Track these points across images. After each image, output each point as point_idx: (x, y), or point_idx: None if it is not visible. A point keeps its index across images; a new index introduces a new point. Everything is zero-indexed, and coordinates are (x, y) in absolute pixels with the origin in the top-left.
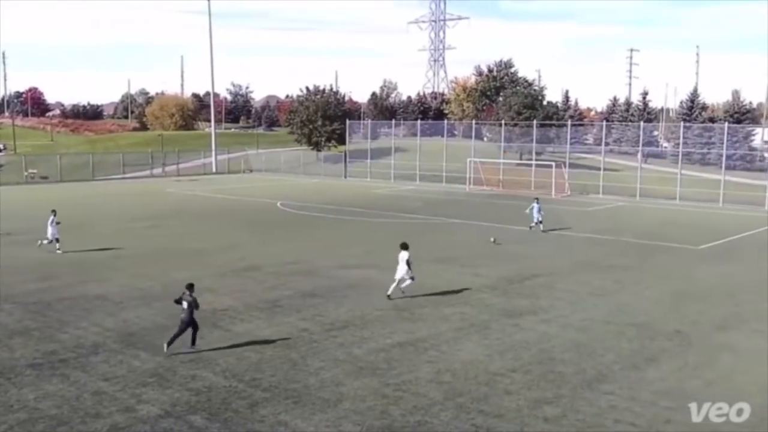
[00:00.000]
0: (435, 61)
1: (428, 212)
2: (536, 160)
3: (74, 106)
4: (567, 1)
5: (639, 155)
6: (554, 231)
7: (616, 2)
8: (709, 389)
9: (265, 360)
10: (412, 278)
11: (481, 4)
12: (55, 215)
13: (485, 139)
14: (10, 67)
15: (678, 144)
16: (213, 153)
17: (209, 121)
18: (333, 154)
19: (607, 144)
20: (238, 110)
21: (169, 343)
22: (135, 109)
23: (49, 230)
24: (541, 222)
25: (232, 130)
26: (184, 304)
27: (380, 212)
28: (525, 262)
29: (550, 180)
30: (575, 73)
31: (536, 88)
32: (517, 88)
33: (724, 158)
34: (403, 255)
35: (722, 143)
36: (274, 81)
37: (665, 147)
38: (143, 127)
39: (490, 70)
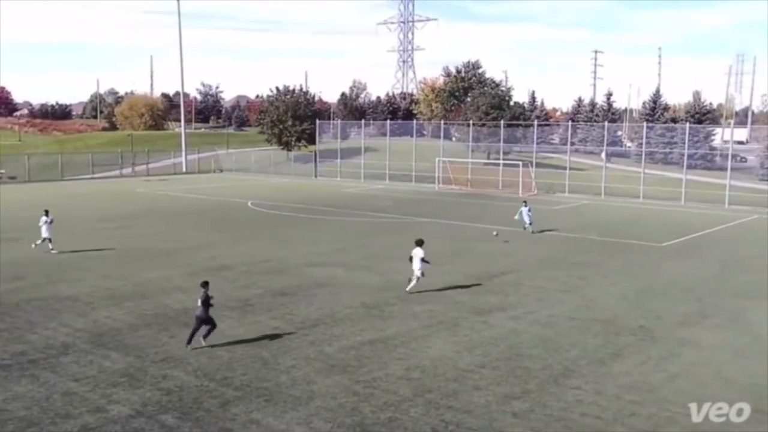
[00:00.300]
0: (404, 62)
1: (398, 211)
2: (503, 159)
3: (42, 105)
4: (532, 3)
5: (603, 154)
6: (545, 232)
7: (580, 5)
8: (672, 383)
9: (236, 359)
10: (420, 276)
11: (449, 6)
12: (47, 215)
13: (453, 139)
14: None
15: (641, 144)
16: (183, 153)
17: (179, 120)
18: (303, 154)
19: (572, 144)
20: (208, 110)
21: (189, 341)
22: (104, 109)
23: (43, 230)
24: (531, 224)
25: (202, 129)
26: (198, 302)
27: (350, 211)
28: (493, 260)
29: (517, 179)
30: (541, 74)
31: (503, 88)
32: (485, 88)
33: (685, 157)
34: (417, 252)
35: (684, 143)
36: (244, 81)
37: (629, 147)
38: (112, 127)
39: (458, 71)
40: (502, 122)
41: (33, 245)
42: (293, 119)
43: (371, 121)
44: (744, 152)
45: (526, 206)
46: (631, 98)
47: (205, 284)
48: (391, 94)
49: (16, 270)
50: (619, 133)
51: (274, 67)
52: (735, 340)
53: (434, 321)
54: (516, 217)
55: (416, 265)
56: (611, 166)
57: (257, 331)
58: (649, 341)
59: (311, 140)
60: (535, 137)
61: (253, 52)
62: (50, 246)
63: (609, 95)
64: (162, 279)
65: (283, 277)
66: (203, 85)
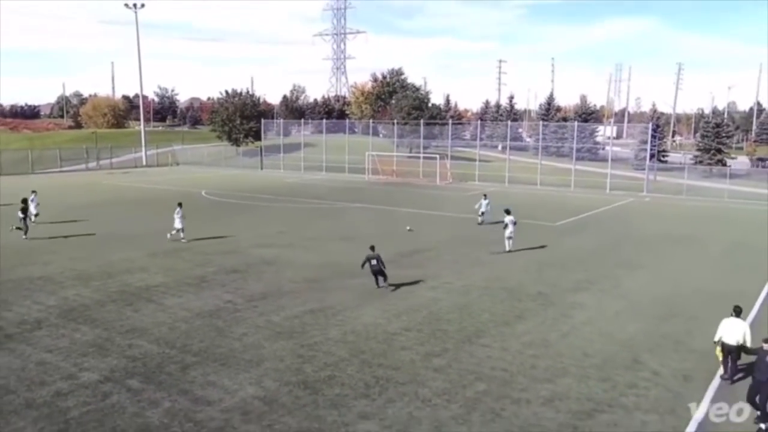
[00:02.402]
0: (337, 68)
1: (333, 198)
2: (423, 153)
3: (12, 106)
4: (446, 19)
5: (500, 146)
6: (492, 224)
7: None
8: (565, 339)
9: (194, 329)
10: (510, 239)
11: (376, 20)
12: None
13: (381, 135)
14: None
15: (538, 139)
16: (143, 148)
17: (139, 120)
18: (250, 149)
19: (481, 139)
20: (165, 110)
21: (379, 284)
22: (70, 110)
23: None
24: (483, 215)
25: (160, 128)
26: (373, 261)
27: (291, 198)
28: (415, 238)
29: (435, 170)
30: (455, 79)
31: (423, 92)
32: (407, 92)
33: (574, 151)
34: (509, 218)
35: (573, 138)
36: (197, 84)
37: (528, 141)
38: (78, 125)
39: (384, 77)
40: (422, 121)
41: (179, 233)
42: (241, 118)
43: (309, 121)
44: (619, 145)
45: (486, 199)
46: (529, 101)
47: (373, 248)
48: (326, 96)
49: None
50: (520, 130)
51: (223, 73)
52: (615, 303)
53: (366, 292)
54: (476, 206)
55: (509, 229)
56: (513, 158)
57: (212, 304)
58: (546, 305)
59: (257, 137)
60: (449, 134)
61: (205, 58)
62: (182, 235)
63: (511, 98)
64: (125, 260)
65: (235, 257)
66: (160, 88)
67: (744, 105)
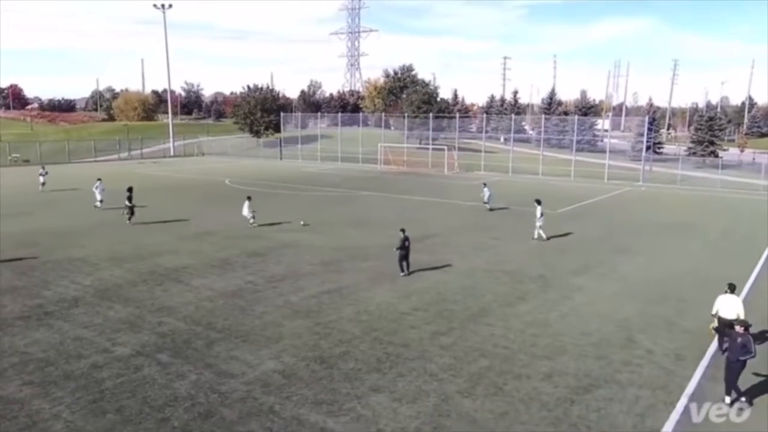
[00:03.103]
0: (351, 65)
1: (347, 186)
2: (432, 144)
3: (50, 100)
4: (454, 20)
5: (502, 138)
6: (499, 209)
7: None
8: (563, 320)
9: (218, 307)
10: (540, 227)
11: (388, 20)
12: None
13: (392, 128)
14: None
15: (540, 132)
16: (171, 140)
17: (167, 113)
18: (270, 140)
19: (486, 132)
20: (191, 104)
21: (405, 270)
22: (103, 103)
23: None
24: (488, 202)
25: (186, 120)
26: (406, 243)
27: (308, 186)
28: (425, 225)
29: (443, 160)
30: (462, 75)
31: (432, 87)
32: (417, 87)
33: (574, 142)
34: (538, 209)
35: (573, 131)
36: (221, 80)
37: (531, 134)
38: (111, 118)
39: (396, 73)
40: (431, 115)
41: (251, 220)
42: (262, 112)
43: (325, 114)
44: (617, 138)
45: (485, 187)
46: (532, 95)
47: (404, 230)
48: (341, 91)
49: (32, 238)
50: (523, 123)
51: (245, 69)
52: (611, 286)
53: (378, 274)
54: (480, 195)
55: (539, 219)
56: (517, 149)
57: (235, 285)
58: (546, 287)
59: (277, 129)
60: (457, 126)
61: (228, 56)
62: (251, 221)
63: (515, 93)
64: (156, 243)
65: (256, 241)
66: (186, 83)
67: (736, 100)
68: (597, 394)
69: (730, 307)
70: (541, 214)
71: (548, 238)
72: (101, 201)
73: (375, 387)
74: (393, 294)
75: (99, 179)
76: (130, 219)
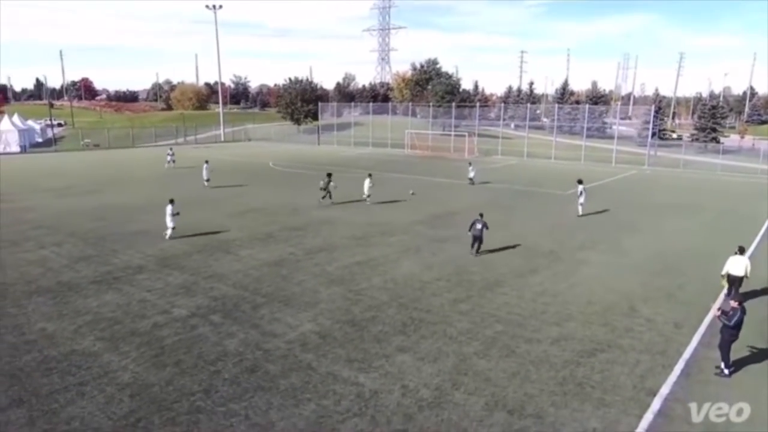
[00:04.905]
0: (382, 59)
1: (378, 169)
2: (454, 131)
3: (117, 91)
4: (476, 18)
5: (512, 124)
6: (485, 184)
7: (510, 19)
8: (572, 290)
9: (263, 275)
10: (581, 204)
11: (416, 17)
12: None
13: (418, 116)
14: (66, 63)
15: (554, 119)
16: (221, 127)
17: (218, 103)
18: (309, 127)
19: (504, 119)
20: (239, 95)
21: (474, 251)
22: (162, 94)
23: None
24: (472, 178)
25: (235, 110)
26: (478, 226)
27: (344, 168)
28: (447, 204)
29: (464, 145)
30: (482, 68)
31: (455, 79)
32: (441, 79)
33: (585, 129)
34: (579, 187)
35: (584, 119)
36: (266, 73)
37: (545, 121)
38: (169, 107)
39: (422, 66)
40: (453, 104)
41: (367, 197)
42: (302, 102)
43: (358, 103)
44: (625, 125)
45: (471, 165)
46: (546, 86)
47: (481, 215)
48: (373, 83)
49: (101, 213)
50: (538, 111)
51: (287, 63)
52: (615, 260)
53: (404, 248)
54: (468, 173)
55: (581, 198)
56: (532, 136)
57: (278, 256)
58: (556, 261)
59: (315, 117)
60: (477, 115)
61: (272, 51)
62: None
63: (531, 84)
64: (208, 219)
65: (296, 217)
66: (235, 76)
67: (738, 89)
68: (601, 357)
69: (739, 265)
70: (581, 193)
71: (581, 215)
72: (208, 180)
73: (401, 347)
74: (417, 265)
75: (206, 161)
76: (329, 198)
